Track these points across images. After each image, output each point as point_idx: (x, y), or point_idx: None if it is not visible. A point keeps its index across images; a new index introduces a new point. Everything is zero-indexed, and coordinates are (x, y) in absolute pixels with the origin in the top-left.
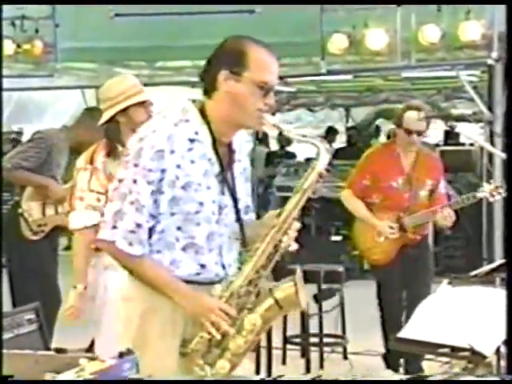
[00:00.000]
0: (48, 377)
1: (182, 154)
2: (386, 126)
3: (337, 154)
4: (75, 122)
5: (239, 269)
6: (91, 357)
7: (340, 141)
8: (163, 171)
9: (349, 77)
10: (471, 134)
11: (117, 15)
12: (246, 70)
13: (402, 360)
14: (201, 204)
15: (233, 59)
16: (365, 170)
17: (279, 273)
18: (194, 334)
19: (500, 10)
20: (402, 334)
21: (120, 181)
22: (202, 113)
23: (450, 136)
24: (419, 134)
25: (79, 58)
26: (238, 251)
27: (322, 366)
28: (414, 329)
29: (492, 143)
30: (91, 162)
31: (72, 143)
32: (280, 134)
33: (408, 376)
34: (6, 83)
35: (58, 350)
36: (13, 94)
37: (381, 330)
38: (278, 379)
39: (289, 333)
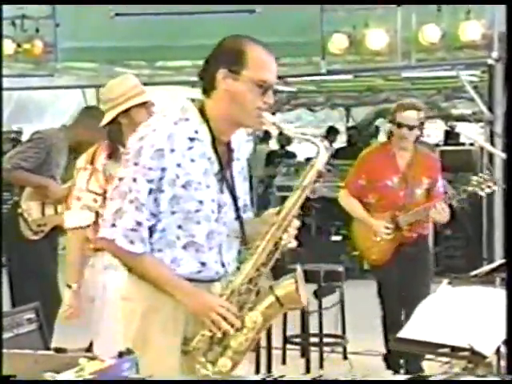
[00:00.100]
0: (47, 377)
1: (182, 152)
2: (386, 125)
3: (337, 153)
4: (74, 122)
5: (238, 268)
6: (91, 356)
7: (340, 141)
8: (163, 170)
9: (349, 77)
10: (471, 134)
11: (117, 15)
12: (245, 69)
13: (402, 360)
14: (201, 203)
15: (231, 58)
16: (360, 170)
17: (279, 272)
18: (196, 333)
19: (500, 10)
20: (401, 334)
21: (120, 179)
22: (202, 112)
23: (450, 136)
24: (410, 128)
25: (79, 58)
26: (237, 249)
27: (321, 366)
28: (413, 329)
29: (492, 143)
30: (92, 162)
31: (71, 143)
32: (280, 133)
33: (408, 376)
34: (6, 83)
35: (58, 350)
36: (13, 93)
37: (381, 329)
38: (278, 379)
39: (289, 333)
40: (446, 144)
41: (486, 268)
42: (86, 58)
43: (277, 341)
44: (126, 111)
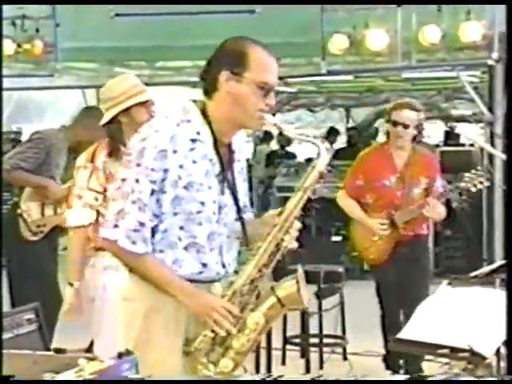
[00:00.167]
0: (46, 377)
1: (184, 154)
2: (384, 126)
3: (337, 154)
4: (74, 122)
5: (236, 271)
6: (90, 357)
7: (340, 141)
8: (166, 171)
9: (349, 77)
10: (471, 135)
11: (117, 15)
12: (247, 71)
13: (401, 361)
14: (202, 204)
15: (233, 60)
16: (358, 171)
17: (279, 273)
18: (197, 333)
19: (500, 11)
20: (401, 335)
21: (123, 180)
22: (203, 113)
23: (451, 137)
24: (405, 127)
25: (79, 58)
26: (237, 250)
27: (321, 367)
28: (413, 329)
29: (492, 144)
30: (92, 160)
31: (71, 143)
32: (280, 134)
33: (407, 376)
34: (6, 83)
35: (57, 351)
36: (13, 93)
37: (381, 330)
38: (278, 379)
39: (288, 333)
40: (446, 145)
41: (486, 269)
42: (86, 58)
43: (277, 341)
44: (127, 110)
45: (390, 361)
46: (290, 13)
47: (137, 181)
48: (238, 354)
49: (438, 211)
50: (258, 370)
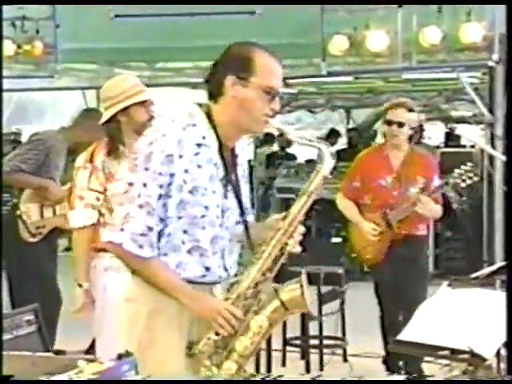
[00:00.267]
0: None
1: (189, 158)
2: (382, 126)
3: (337, 155)
4: (73, 123)
5: (236, 274)
6: (89, 358)
7: (340, 142)
8: (172, 175)
9: (349, 78)
10: (471, 136)
11: (117, 16)
12: (253, 76)
13: (401, 363)
14: (206, 208)
15: (239, 65)
16: (355, 173)
17: (279, 275)
18: (201, 336)
19: (501, 12)
20: (401, 337)
21: (130, 184)
22: (209, 117)
23: (451, 138)
24: (400, 125)
25: (79, 59)
26: (237, 253)
27: (321, 369)
28: (413, 331)
29: (493, 145)
30: (91, 160)
31: (70, 144)
32: (280, 135)
33: (407, 377)
34: (6, 84)
35: (57, 352)
36: (13, 95)
37: (380, 331)
38: (278, 379)
39: (288, 335)
40: (446, 146)
41: (487, 270)
42: (86, 60)
43: (277, 343)
44: (126, 109)
45: (390, 362)
46: (290, 14)
47: (144, 185)
48: (242, 356)
49: (429, 208)
50: (258, 372)
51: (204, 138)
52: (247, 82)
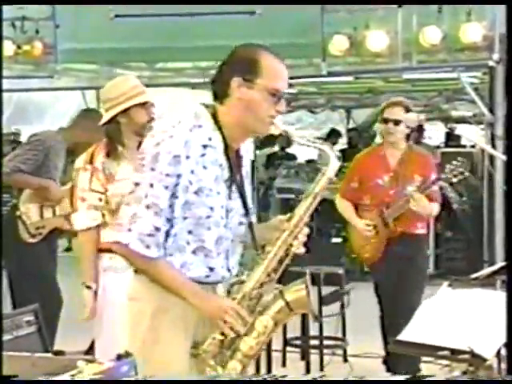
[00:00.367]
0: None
1: (196, 159)
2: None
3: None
4: (72, 123)
5: (237, 275)
6: (89, 359)
7: (341, 142)
8: (179, 176)
9: (349, 78)
10: (472, 136)
11: (117, 16)
12: (259, 77)
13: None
14: (211, 209)
15: (245, 67)
16: (353, 173)
17: (280, 275)
18: (206, 336)
19: (501, 12)
20: (401, 337)
21: (136, 184)
22: (214, 118)
23: (451, 138)
24: (396, 123)
25: (79, 59)
26: (239, 254)
27: (321, 369)
28: (413, 331)
29: (493, 145)
30: (91, 161)
31: (69, 144)
32: (280, 135)
33: (408, 376)
34: (5, 84)
35: (56, 353)
36: (12, 95)
37: (380, 331)
38: (279, 379)
39: (289, 335)
40: (446, 146)
41: (487, 270)
42: (85, 60)
43: (277, 343)
44: (126, 111)
45: (390, 362)
46: (290, 14)
47: (151, 185)
48: (246, 356)
49: (422, 205)
50: (258, 372)
51: (210, 139)
52: (253, 84)
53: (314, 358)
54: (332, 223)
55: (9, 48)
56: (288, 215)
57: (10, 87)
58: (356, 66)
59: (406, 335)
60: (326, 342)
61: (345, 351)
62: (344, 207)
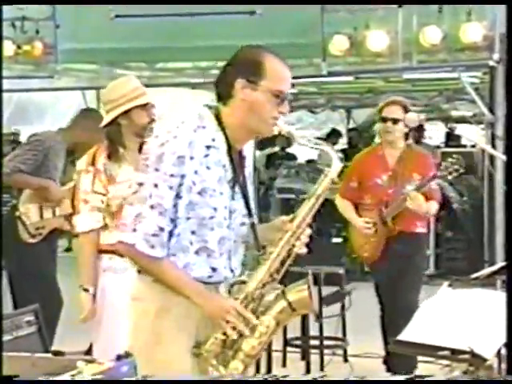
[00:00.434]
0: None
1: (199, 160)
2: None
3: None
4: (71, 123)
5: (238, 274)
6: (89, 359)
7: (341, 142)
8: (183, 177)
9: (350, 78)
10: (471, 136)
11: (117, 16)
12: (263, 79)
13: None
14: (215, 209)
15: (249, 68)
16: (352, 173)
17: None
18: (208, 336)
19: (501, 12)
20: (401, 337)
21: (140, 185)
22: (218, 119)
23: (452, 138)
24: (394, 122)
25: (79, 59)
26: (242, 254)
27: (322, 369)
28: (413, 331)
29: (493, 145)
30: (93, 163)
31: (69, 144)
32: (280, 135)
33: (408, 376)
34: (6, 84)
35: (56, 353)
36: (13, 95)
37: (381, 331)
38: (280, 379)
39: (289, 335)
40: (447, 146)
41: (487, 270)
42: (86, 60)
43: (277, 343)
44: (127, 112)
45: (390, 362)
46: (290, 14)
47: (155, 186)
48: (248, 356)
49: (419, 203)
50: (258, 372)
51: (213, 140)
52: (257, 86)
53: (315, 358)
54: (332, 223)
55: (9, 48)
56: (291, 216)
57: (11, 87)
58: (356, 66)
59: (406, 335)
60: (326, 342)
61: (345, 351)
62: (344, 207)
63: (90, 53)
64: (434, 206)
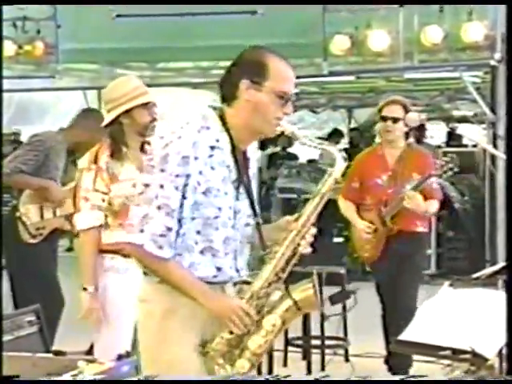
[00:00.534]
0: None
1: (204, 160)
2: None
3: None
4: (72, 123)
5: (244, 275)
6: (89, 359)
7: (342, 142)
8: (188, 176)
9: (351, 78)
10: (473, 136)
11: (118, 16)
12: (267, 80)
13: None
14: (219, 209)
15: (253, 69)
16: (353, 174)
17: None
18: (214, 335)
19: (503, 11)
20: (403, 337)
21: (146, 186)
22: (222, 120)
23: (453, 137)
24: (394, 121)
25: (80, 59)
26: (247, 255)
27: (323, 369)
28: (415, 331)
29: (495, 145)
30: (95, 161)
31: (69, 144)
32: (281, 135)
33: (407, 376)
34: (7, 84)
35: (57, 353)
36: (14, 95)
37: (382, 331)
38: (282, 379)
39: (290, 335)
40: (448, 145)
41: (489, 270)
42: (87, 60)
43: (278, 343)
44: (128, 111)
45: (391, 362)
46: (291, 13)
47: (161, 186)
48: (255, 355)
49: (416, 202)
50: (259, 372)
51: (217, 140)
52: (261, 87)
53: (316, 357)
54: (334, 223)
55: (10, 48)
56: (295, 215)
57: (12, 87)
58: (357, 66)
59: (407, 335)
60: (327, 342)
61: (346, 351)
62: (346, 208)
63: (91, 53)
64: (433, 205)
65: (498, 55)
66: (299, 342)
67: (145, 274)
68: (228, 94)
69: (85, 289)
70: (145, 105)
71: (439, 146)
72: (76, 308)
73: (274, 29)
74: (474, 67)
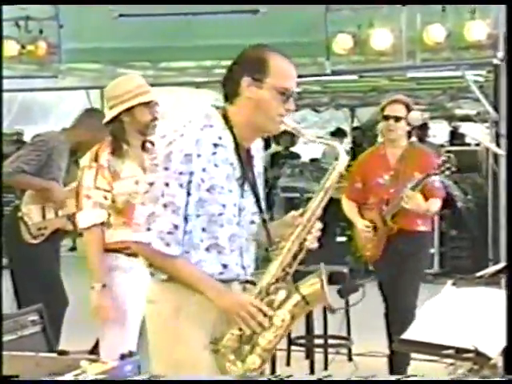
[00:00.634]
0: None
1: (207, 158)
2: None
3: None
4: (75, 123)
5: (250, 272)
6: (92, 359)
7: (345, 141)
8: (191, 174)
9: (354, 77)
10: (475, 135)
11: (121, 16)
12: (268, 77)
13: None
14: (224, 206)
15: (254, 66)
16: (356, 174)
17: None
18: (224, 332)
19: (504, 10)
20: (406, 336)
21: (150, 184)
22: (225, 118)
23: (456, 136)
24: (397, 120)
25: (83, 59)
26: (254, 252)
27: (326, 368)
28: (418, 330)
29: (498, 144)
30: (96, 159)
31: (72, 144)
32: (283, 134)
33: (407, 376)
34: (10, 84)
35: (60, 352)
36: (17, 95)
37: (385, 329)
38: (284, 379)
39: (293, 334)
40: (451, 144)
41: (492, 269)
42: (89, 59)
43: (281, 342)
44: (130, 109)
45: (394, 361)
46: (293, 13)
47: (166, 184)
48: (265, 350)
49: (415, 202)
50: (262, 372)
51: (220, 138)
52: (262, 84)
53: (319, 357)
54: (337, 222)
55: (13, 48)
56: (300, 210)
57: (15, 87)
58: (360, 65)
59: (410, 334)
60: (330, 341)
61: (349, 350)
62: (349, 208)
63: (93, 52)
64: (435, 204)
65: (500, 54)
66: (302, 342)
67: (151, 274)
68: (230, 92)
69: (92, 287)
70: (147, 103)
71: (442, 145)
72: (79, 308)
73: (276, 28)
74: (476, 66)
